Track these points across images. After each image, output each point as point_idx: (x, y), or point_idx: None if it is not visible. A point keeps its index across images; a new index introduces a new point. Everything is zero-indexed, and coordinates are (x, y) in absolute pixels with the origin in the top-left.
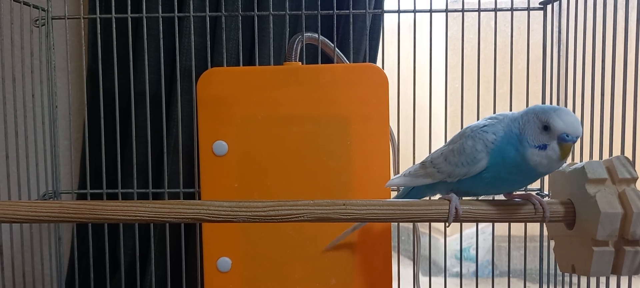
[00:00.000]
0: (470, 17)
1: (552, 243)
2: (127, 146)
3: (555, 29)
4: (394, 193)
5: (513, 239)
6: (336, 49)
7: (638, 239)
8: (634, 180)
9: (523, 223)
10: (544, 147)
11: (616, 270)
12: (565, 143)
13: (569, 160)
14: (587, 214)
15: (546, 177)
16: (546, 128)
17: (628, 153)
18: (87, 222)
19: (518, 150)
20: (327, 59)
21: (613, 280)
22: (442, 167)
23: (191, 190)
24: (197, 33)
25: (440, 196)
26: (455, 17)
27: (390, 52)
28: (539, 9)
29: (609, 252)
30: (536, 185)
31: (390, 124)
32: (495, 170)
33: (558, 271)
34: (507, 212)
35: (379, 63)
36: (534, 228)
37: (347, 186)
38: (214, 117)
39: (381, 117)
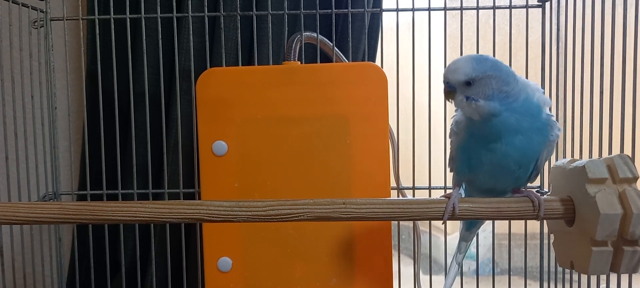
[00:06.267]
0: (469, 15)
1: (552, 238)
2: (126, 147)
3: (554, 27)
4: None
5: (513, 237)
6: (335, 48)
7: (637, 239)
8: (635, 179)
9: (523, 221)
10: None
11: (614, 268)
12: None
13: (569, 156)
14: (586, 213)
15: (546, 175)
16: None
17: (627, 150)
18: (88, 223)
19: None
20: (326, 58)
21: (613, 276)
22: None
23: (191, 190)
24: (196, 33)
25: (442, 195)
26: (454, 15)
27: (389, 51)
28: (538, 6)
29: (607, 251)
30: (536, 182)
31: (390, 123)
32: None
33: (559, 268)
34: (503, 209)
35: (377, 62)
36: (534, 225)
37: (346, 185)
38: (213, 117)
39: (381, 116)
